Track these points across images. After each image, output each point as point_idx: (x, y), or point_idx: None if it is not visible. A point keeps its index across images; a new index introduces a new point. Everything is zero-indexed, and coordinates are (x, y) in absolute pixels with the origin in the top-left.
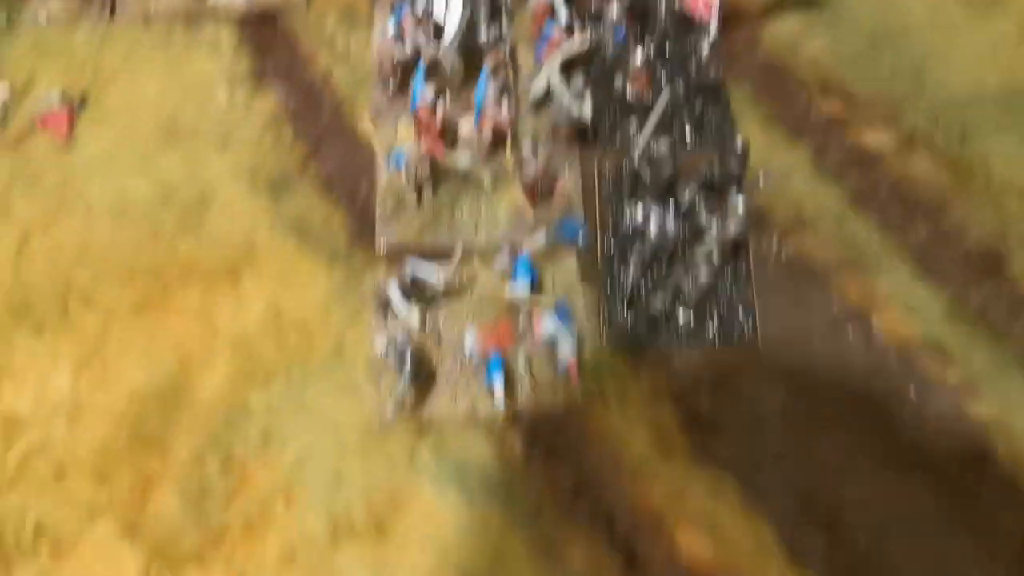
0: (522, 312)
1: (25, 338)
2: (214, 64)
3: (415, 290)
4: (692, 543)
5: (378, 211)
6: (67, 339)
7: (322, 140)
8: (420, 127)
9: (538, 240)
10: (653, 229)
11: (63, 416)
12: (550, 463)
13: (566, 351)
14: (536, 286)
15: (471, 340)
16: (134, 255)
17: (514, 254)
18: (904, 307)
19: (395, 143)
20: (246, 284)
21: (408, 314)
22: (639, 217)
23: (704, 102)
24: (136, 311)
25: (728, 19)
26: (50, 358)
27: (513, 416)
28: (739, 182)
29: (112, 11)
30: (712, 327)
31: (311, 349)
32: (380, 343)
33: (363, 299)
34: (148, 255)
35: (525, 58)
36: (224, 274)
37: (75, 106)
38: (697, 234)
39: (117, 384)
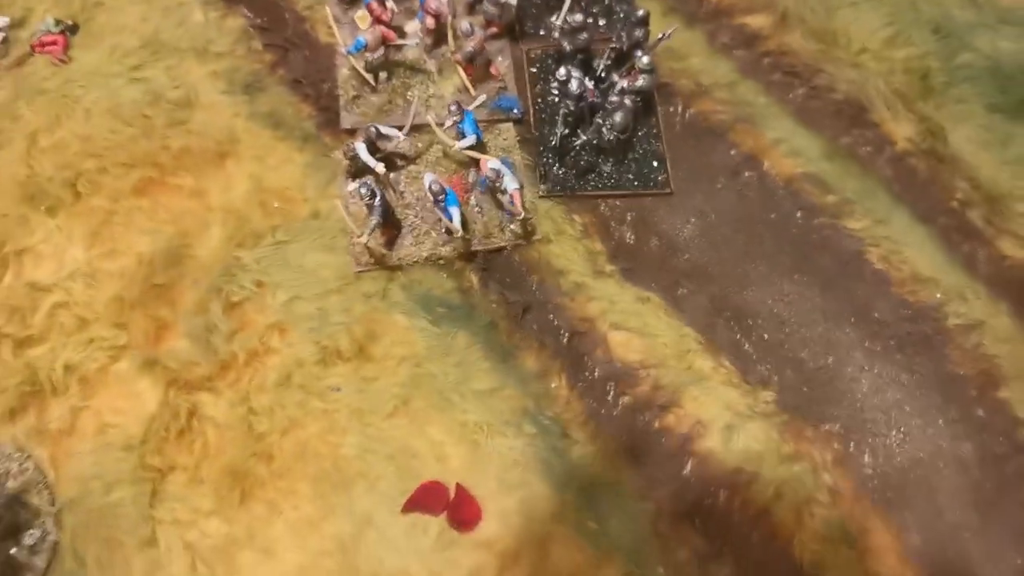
0: (472, 170)
1: (41, 219)
2: None
3: (378, 151)
4: (624, 343)
5: (341, 99)
6: (78, 219)
7: (287, 49)
8: (373, 16)
9: (479, 100)
10: (573, 84)
11: (80, 279)
12: (502, 290)
13: (511, 184)
14: (481, 149)
15: (429, 179)
16: (132, 147)
17: (460, 109)
18: (789, 151)
19: (355, 34)
20: (230, 166)
21: (375, 165)
22: (561, 74)
23: None
24: (137, 193)
25: None
26: (64, 234)
27: (467, 255)
28: (642, 45)
29: None
30: (631, 175)
31: (292, 214)
32: (352, 185)
33: (333, 173)
34: (144, 147)
35: None
36: (211, 159)
37: (68, 31)
38: (611, 90)
39: (126, 252)
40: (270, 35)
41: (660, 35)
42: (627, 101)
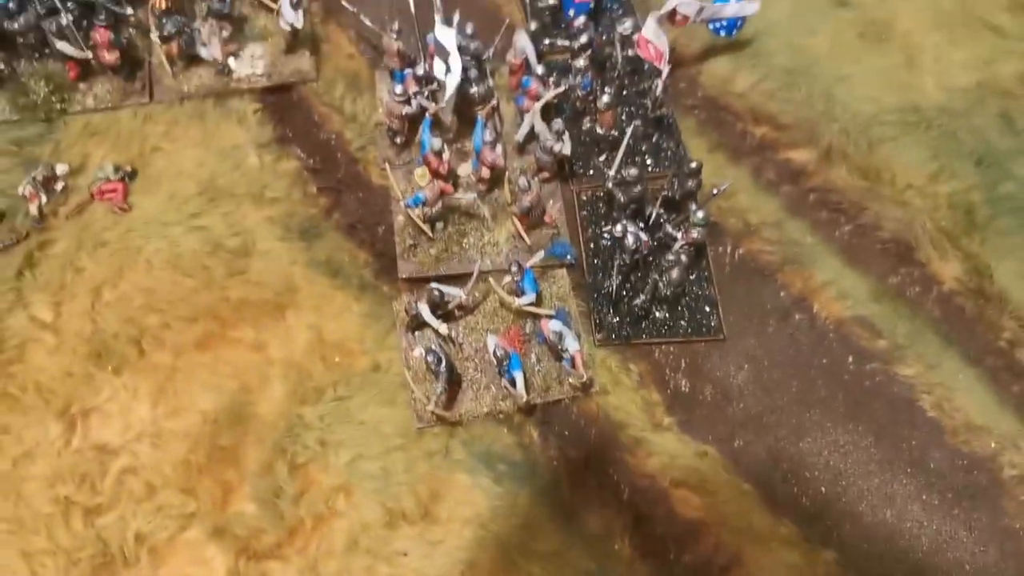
0: (529, 320)
1: (107, 378)
2: (242, 132)
3: (440, 308)
4: (685, 500)
5: (397, 247)
6: (143, 376)
7: (341, 192)
8: (431, 169)
9: (537, 258)
10: (629, 240)
11: (147, 441)
12: (562, 444)
13: (572, 345)
14: (538, 300)
15: (493, 342)
16: (193, 299)
17: (520, 269)
18: (837, 292)
19: (410, 186)
20: (290, 317)
21: (438, 326)
22: (617, 231)
23: (659, 135)
24: (199, 347)
25: (671, 64)
26: (130, 393)
27: (528, 408)
28: (695, 196)
29: (151, 94)
30: (684, 321)
31: (352, 367)
32: (419, 351)
33: (392, 323)
34: (204, 299)
35: (507, 109)
36: (270, 310)
37: (127, 178)
38: (664, 242)
39: (190, 410)
40: (323, 177)
41: (714, 190)
42: (683, 257)
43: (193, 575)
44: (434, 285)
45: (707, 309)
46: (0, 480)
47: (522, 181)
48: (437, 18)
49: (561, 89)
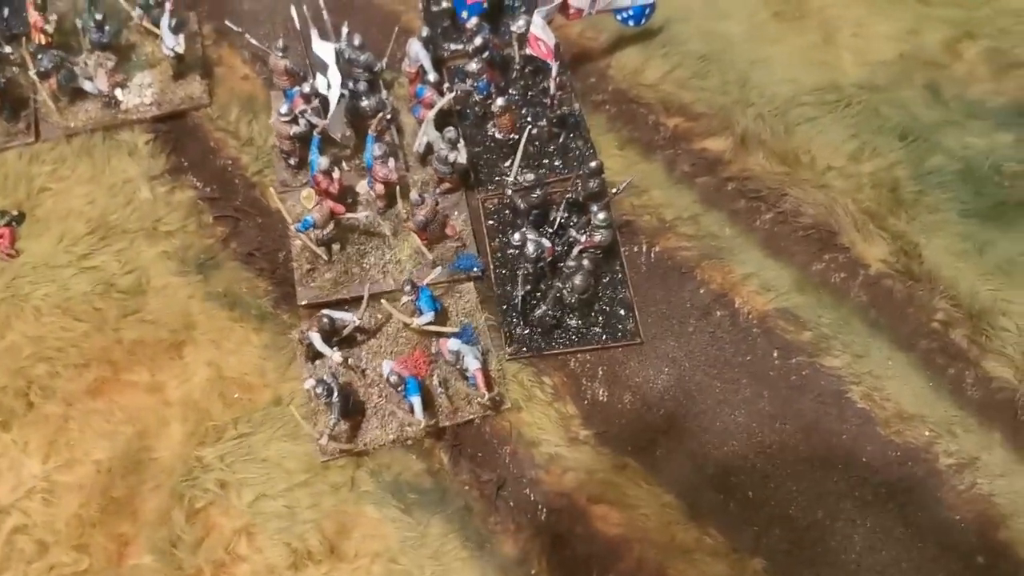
0: (434, 340)
1: None
2: (134, 165)
3: (336, 334)
4: (604, 516)
5: (295, 273)
6: (33, 429)
7: (239, 219)
8: (320, 190)
9: (434, 274)
10: (530, 248)
11: (38, 498)
12: (473, 467)
13: (472, 363)
14: (442, 316)
15: (388, 368)
16: (84, 345)
17: (415, 288)
18: (759, 285)
19: (302, 210)
20: (187, 355)
21: (331, 355)
22: (516, 240)
23: (566, 133)
24: (92, 394)
25: (578, 57)
26: (20, 448)
27: (437, 431)
28: (599, 197)
29: (37, 132)
30: (598, 327)
31: (253, 403)
32: (309, 383)
33: (293, 353)
34: (96, 343)
35: (407, 118)
36: (167, 349)
37: (15, 223)
38: (570, 248)
39: (83, 461)
40: (220, 206)
41: (615, 189)
42: (585, 262)
43: None
44: (324, 312)
45: (623, 313)
46: None
47: (414, 196)
48: (314, 33)
49: (452, 96)
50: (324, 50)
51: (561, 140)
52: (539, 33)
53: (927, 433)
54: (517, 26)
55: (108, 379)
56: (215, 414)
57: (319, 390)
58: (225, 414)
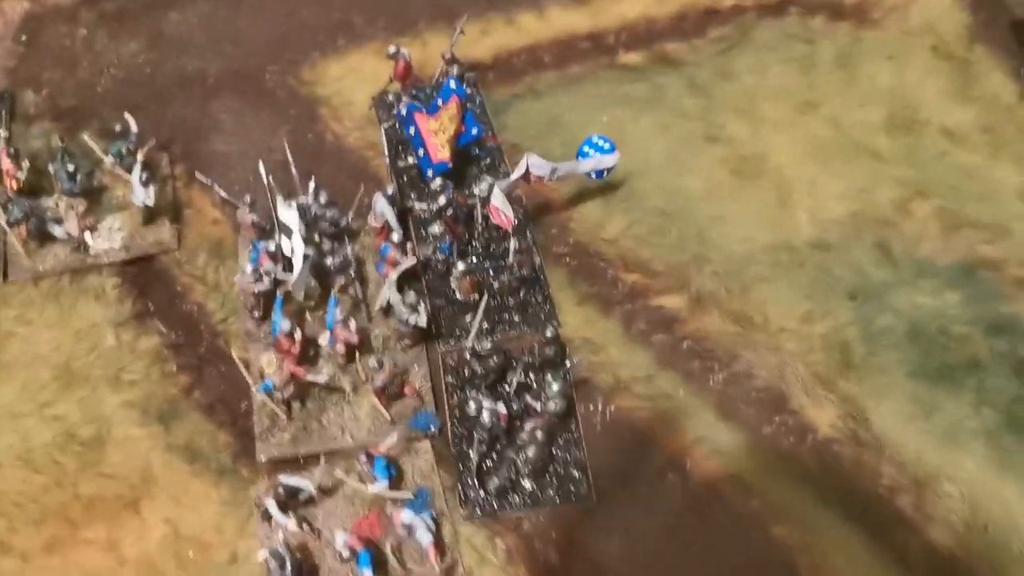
0: (387, 504)
1: None
2: (100, 310)
3: (291, 498)
4: None
5: (256, 428)
6: None
7: (202, 368)
8: (281, 351)
9: (389, 442)
10: (485, 417)
11: None
12: None
13: (424, 537)
14: (398, 478)
15: (341, 540)
16: (42, 499)
17: (369, 458)
18: (711, 449)
19: (261, 372)
20: (145, 511)
21: (285, 523)
22: (471, 410)
23: (526, 290)
24: (48, 551)
25: (540, 209)
26: None
27: None
28: (555, 365)
29: (5, 274)
30: (552, 489)
31: (207, 562)
32: (262, 554)
33: (250, 510)
34: (55, 498)
35: (372, 269)
36: (124, 505)
37: None
38: (527, 413)
39: None
40: (185, 353)
41: (572, 361)
42: (539, 434)
43: None
44: (281, 479)
45: (576, 475)
46: None
47: (372, 361)
48: (279, 198)
49: (413, 261)
50: (289, 216)
51: (522, 296)
52: (499, 204)
53: None
54: (480, 189)
55: (64, 537)
56: (169, 574)
57: (272, 563)
58: (180, 575)
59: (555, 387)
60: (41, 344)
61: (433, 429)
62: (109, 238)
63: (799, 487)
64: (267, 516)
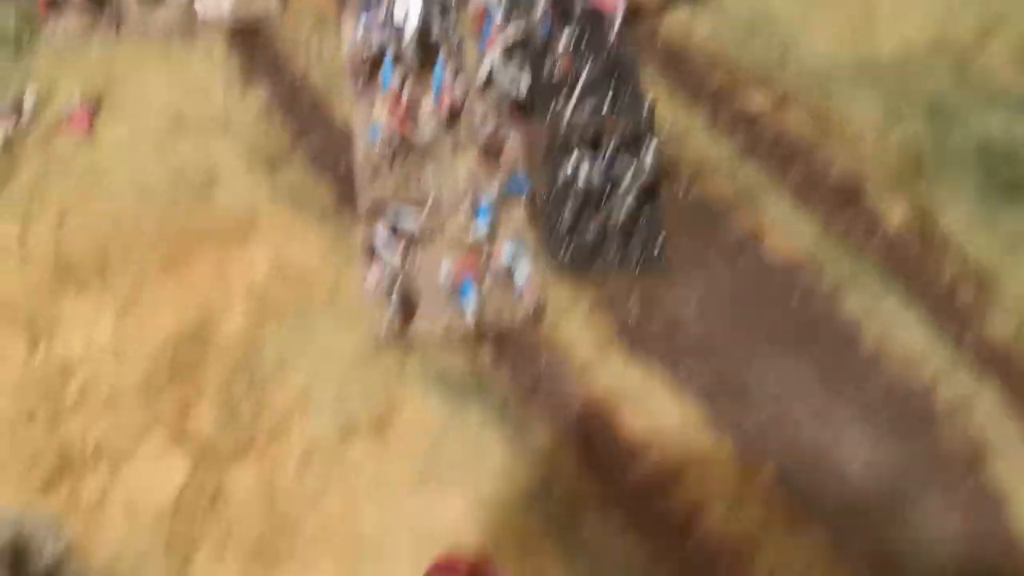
0: (484, 248)
1: (71, 297)
2: (209, 67)
3: (395, 236)
4: (631, 420)
5: (358, 178)
6: (107, 295)
7: (306, 126)
8: (390, 107)
9: (493, 190)
10: (582, 176)
11: (109, 357)
12: (513, 367)
13: (524, 269)
14: (493, 232)
15: (446, 268)
16: (157, 226)
17: (475, 201)
18: (786, 232)
19: (371, 122)
20: (252, 244)
21: (393, 250)
22: (570, 168)
23: (618, 79)
24: (163, 270)
25: (632, 13)
26: (93, 311)
27: (481, 332)
28: (649, 137)
29: (119, 28)
30: (635, 255)
31: (312, 292)
32: (373, 276)
33: (351, 250)
34: (169, 225)
35: (470, 51)
36: (234, 237)
37: (93, 107)
38: (618, 180)
39: (152, 329)
40: (289, 112)
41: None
42: (630, 198)
43: (152, 481)
44: (391, 209)
45: (659, 244)
46: None
47: (477, 117)
48: None
49: (520, 31)
50: None
51: (614, 83)
52: None
53: (929, 376)
54: None
55: (179, 259)
56: (277, 299)
57: (382, 277)
58: (286, 300)
59: (647, 159)
60: (152, 94)
61: (526, 193)
62: (217, 4)
63: (868, 271)
64: (371, 251)
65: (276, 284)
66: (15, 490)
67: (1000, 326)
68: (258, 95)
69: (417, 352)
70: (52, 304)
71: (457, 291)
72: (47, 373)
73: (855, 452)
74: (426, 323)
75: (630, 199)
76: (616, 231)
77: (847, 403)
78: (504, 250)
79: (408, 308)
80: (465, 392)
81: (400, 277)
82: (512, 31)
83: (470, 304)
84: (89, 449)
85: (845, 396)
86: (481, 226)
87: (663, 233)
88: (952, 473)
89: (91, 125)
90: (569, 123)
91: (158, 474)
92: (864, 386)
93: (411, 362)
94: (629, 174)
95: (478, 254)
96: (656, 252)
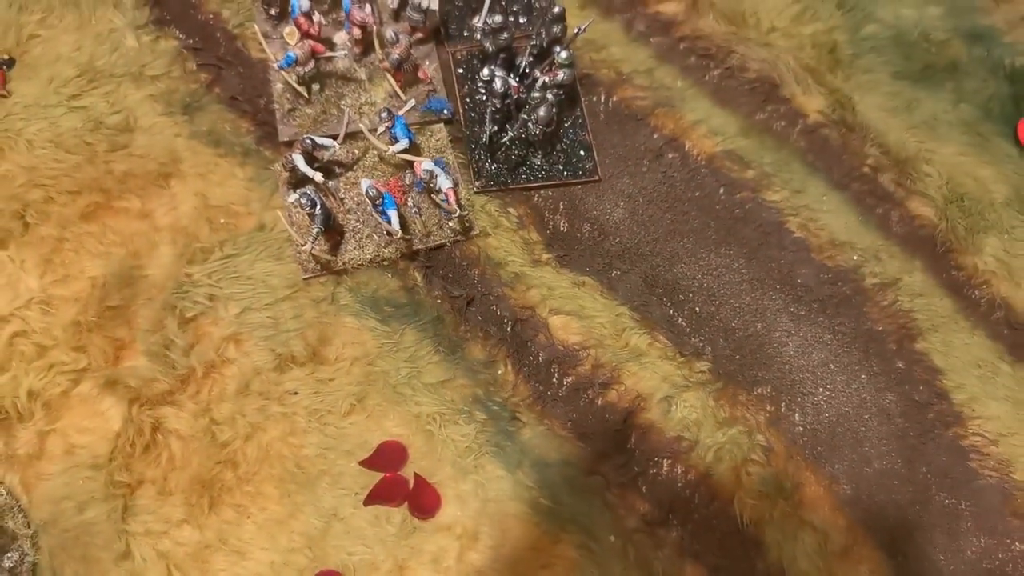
0: (406, 168)
1: None
2: (119, 17)
3: (315, 161)
4: (564, 326)
5: (276, 112)
6: (29, 248)
7: (221, 68)
8: (301, 31)
9: (408, 105)
10: (498, 83)
11: (36, 307)
12: (445, 285)
13: (444, 183)
14: (415, 152)
15: (366, 184)
16: (76, 174)
17: (390, 116)
18: (707, 130)
19: (285, 50)
20: (175, 186)
21: (313, 174)
22: (485, 75)
23: None
24: (86, 219)
25: None
26: (17, 265)
27: (410, 254)
28: (560, 41)
29: None
30: (560, 165)
31: (237, 228)
32: (293, 196)
33: (275, 185)
34: (88, 173)
35: None
36: (155, 179)
37: (4, 65)
38: (533, 91)
39: (78, 277)
40: (203, 55)
41: (576, 29)
42: (549, 96)
43: (88, 425)
44: (307, 135)
45: (582, 153)
46: None
47: (389, 33)
48: None
49: None
50: None
51: (526, 0)
52: None
53: (855, 258)
54: None
55: (100, 205)
56: (202, 237)
57: (303, 201)
58: (212, 237)
59: (563, 55)
60: (63, 46)
61: (447, 112)
62: None
63: (790, 162)
64: (294, 183)
65: (201, 222)
66: None
67: (921, 208)
68: (170, 41)
69: (347, 279)
70: None
71: (378, 204)
72: None
73: (787, 336)
74: (353, 251)
75: (548, 109)
76: (540, 142)
77: (777, 291)
78: (426, 168)
79: (333, 234)
80: (398, 313)
81: (322, 204)
82: None
83: (392, 216)
84: (22, 401)
85: (775, 284)
86: (400, 141)
87: (592, 142)
88: (883, 351)
89: (4, 83)
90: (483, 33)
91: (94, 419)
92: (793, 272)
93: (342, 289)
94: (543, 81)
95: (400, 174)
96: (584, 162)
